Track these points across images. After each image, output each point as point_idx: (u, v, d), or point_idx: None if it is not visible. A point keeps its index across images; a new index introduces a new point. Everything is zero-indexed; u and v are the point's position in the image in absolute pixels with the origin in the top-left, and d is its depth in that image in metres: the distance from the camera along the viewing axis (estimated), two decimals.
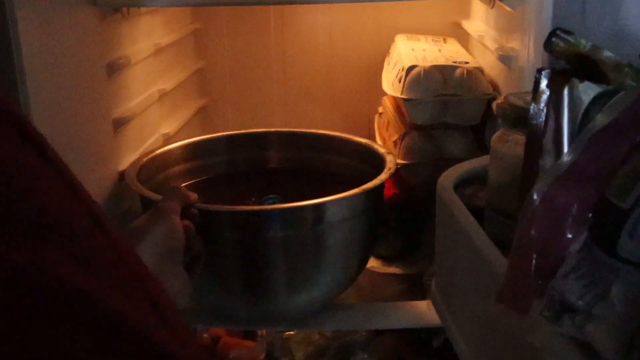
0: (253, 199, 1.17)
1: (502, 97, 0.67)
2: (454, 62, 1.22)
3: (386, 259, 1.32)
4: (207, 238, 0.92)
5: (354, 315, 1.14)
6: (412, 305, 1.15)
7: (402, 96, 1.22)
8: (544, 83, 0.57)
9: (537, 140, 0.57)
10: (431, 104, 1.21)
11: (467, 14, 1.38)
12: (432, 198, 1.05)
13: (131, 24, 1.16)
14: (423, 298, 1.15)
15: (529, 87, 1.02)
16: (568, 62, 0.58)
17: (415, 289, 1.22)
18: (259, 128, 1.25)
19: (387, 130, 1.34)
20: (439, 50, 1.29)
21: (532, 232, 0.49)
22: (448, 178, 0.80)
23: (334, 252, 1.03)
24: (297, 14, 1.42)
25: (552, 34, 0.57)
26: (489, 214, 0.67)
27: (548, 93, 0.56)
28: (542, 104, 0.57)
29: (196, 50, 1.45)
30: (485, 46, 1.22)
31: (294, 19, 1.43)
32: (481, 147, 1.25)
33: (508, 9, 1.09)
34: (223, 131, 1.26)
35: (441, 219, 0.78)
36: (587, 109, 0.55)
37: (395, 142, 1.28)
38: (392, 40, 1.36)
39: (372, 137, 1.37)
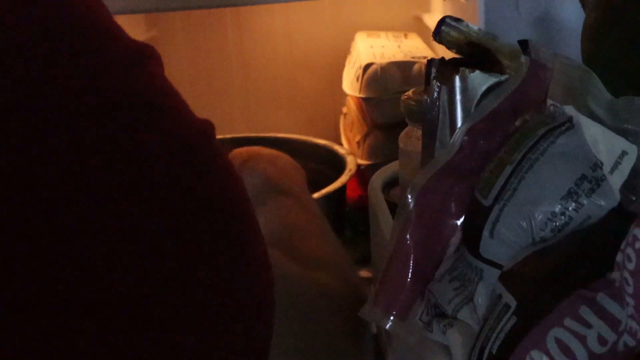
0: None
1: (409, 92, 0.64)
2: (413, 58, 1.19)
3: (355, 262, 1.29)
4: None
5: None
6: None
7: (361, 95, 1.19)
8: (434, 74, 0.54)
9: (432, 134, 0.54)
10: (391, 102, 1.18)
11: (427, 8, 1.35)
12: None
13: None
14: None
15: None
16: (459, 52, 0.55)
17: None
18: (220, 134, 1.22)
19: (351, 130, 1.31)
20: (398, 46, 1.26)
21: (408, 235, 0.46)
22: (378, 178, 0.77)
23: None
24: (254, 17, 1.39)
25: (442, 22, 0.54)
26: None
27: (438, 85, 0.53)
28: (434, 96, 0.54)
29: None
30: None
31: (251, 22, 1.40)
32: None
33: (462, 0, 1.06)
34: None
35: (372, 221, 0.76)
36: (480, 101, 0.52)
37: (358, 142, 1.25)
38: (353, 39, 1.33)
39: (338, 139, 1.34)
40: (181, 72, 1.41)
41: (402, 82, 1.17)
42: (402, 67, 1.18)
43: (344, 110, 1.36)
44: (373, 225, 0.74)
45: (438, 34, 0.54)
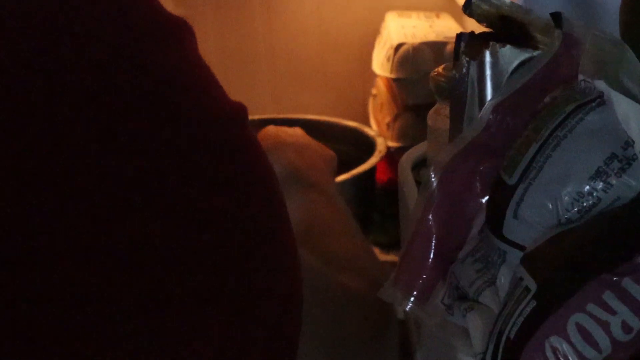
0: None
1: (438, 68, 0.62)
2: (445, 38, 1.17)
3: (384, 247, 1.27)
4: None
5: None
6: None
7: (392, 76, 1.17)
8: (463, 48, 0.52)
9: (460, 111, 0.52)
10: (422, 83, 1.16)
11: None
12: None
13: None
14: None
15: None
16: (491, 26, 0.53)
17: None
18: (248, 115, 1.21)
19: (381, 112, 1.29)
20: (430, 26, 1.23)
21: (430, 215, 0.44)
22: (408, 158, 0.75)
23: None
24: None
25: None
26: None
27: (467, 60, 0.51)
28: (463, 71, 0.52)
29: None
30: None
31: (280, 1, 1.39)
32: None
33: None
34: None
35: (401, 202, 0.74)
36: (511, 77, 0.50)
37: (388, 124, 1.24)
38: (383, 19, 1.31)
39: (367, 120, 1.33)
40: (208, 51, 1.38)
41: (434, 62, 1.15)
42: (434, 48, 1.16)
43: (374, 91, 1.34)
44: (402, 207, 0.73)
45: (468, 7, 0.52)
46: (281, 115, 1.21)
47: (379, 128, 1.26)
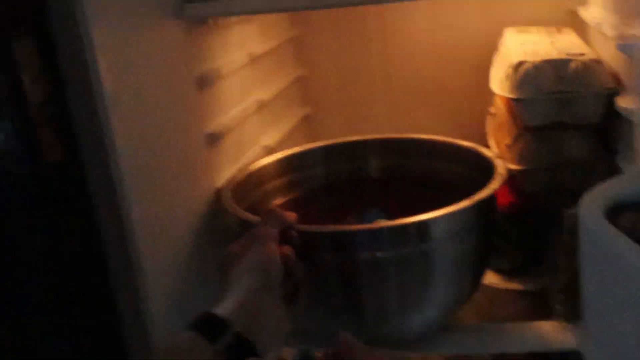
0: (354, 214, 1.10)
1: None
2: (568, 55, 1.11)
3: (506, 274, 1.22)
4: (309, 260, 0.86)
5: (474, 337, 1.04)
6: (536, 326, 1.04)
7: (511, 95, 1.12)
8: None
9: None
10: (544, 103, 1.11)
11: (583, 0, 1.26)
12: (554, 206, 0.94)
13: (221, 34, 1.14)
14: (547, 317, 1.04)
15: None
16: None
17: (538, 306, 1.11)
18: (362, 135, 1.20)
19: (500, 132, 1.24)
20: (552, 43, 1.17)
21: None
22: (594, 202, 0.62)
23: (445, 270, 0.95)
24: (397, 14, 1.36)
25: None
26: None
27: None
28: None
29: (296, 58, 1.41)
30: (604, 34, 1.10)
31: (394, 19, 1.37)
32: (606, 148, 1.12)
33: None
34: (327, 139, 1.21)
35: (591, 255, 0.61)
36: None
37: (508, 145, 1.18)
38: (501, 35, 1.26)
39: (484, 139, 1.28)
40: (324, 71, 1.39)
41: (556, 81, 1.10)
42: (557, 66, 1.10)
43: (492, 110, 1.29)
44: (596, 261, 0.61)
45: None
46: (396, 135, 1.19)
47: (498, 148, 1.22)
